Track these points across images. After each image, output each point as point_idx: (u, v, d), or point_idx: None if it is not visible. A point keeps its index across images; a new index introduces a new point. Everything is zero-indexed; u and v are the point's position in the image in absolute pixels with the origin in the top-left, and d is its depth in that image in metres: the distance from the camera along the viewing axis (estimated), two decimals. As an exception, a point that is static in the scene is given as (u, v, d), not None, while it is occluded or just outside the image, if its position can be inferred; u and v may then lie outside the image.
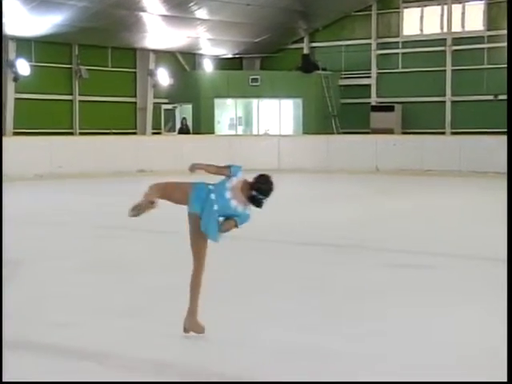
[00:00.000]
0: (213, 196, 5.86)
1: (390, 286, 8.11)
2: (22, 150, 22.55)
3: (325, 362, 5.46)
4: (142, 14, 25.49)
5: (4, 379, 5.07)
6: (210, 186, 5.93)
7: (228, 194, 5.88)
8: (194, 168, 5.97)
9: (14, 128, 25.37)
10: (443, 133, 27.82)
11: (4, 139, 24.15)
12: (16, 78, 25.19)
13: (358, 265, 9.36)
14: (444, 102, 28.22)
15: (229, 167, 5.92)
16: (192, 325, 6.00)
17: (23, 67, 25.19)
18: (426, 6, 28.33)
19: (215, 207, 5.85)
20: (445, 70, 28.12)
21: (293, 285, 8.16)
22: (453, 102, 28.07)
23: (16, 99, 25.43)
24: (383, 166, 25.05)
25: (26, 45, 25.47)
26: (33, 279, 8.51)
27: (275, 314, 6.82)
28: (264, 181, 5.90)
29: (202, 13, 26.48)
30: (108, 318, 6.72)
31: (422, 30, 28.60)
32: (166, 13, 25.75)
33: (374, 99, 29.45)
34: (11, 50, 25.04)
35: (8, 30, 24.37)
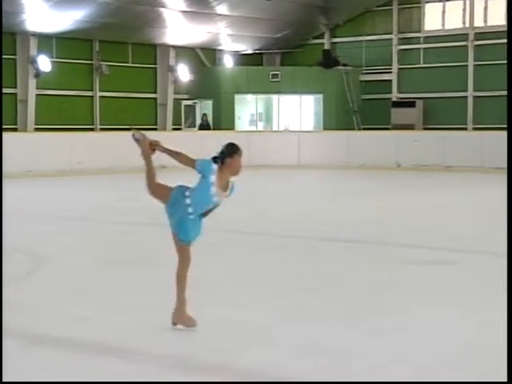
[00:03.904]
0: (188, 201, 5.93)
1: (411, 283, 8.04)
2: (44, 145, 22.66)
3: (345, 359, 5.41)
4: (162, 9, 25.52)
5: (20, 375, 5.08)
6: (187, 192, 5.96)
7: (213, 190, 5.93)
8: (152, 146, 6.18)
9: (36, 124, 25.50)
10: (465, 128, 27.62)
11: (26, 135, 24.39)
12: (37, 74, 25.33)
13: (378, 261, 9.31)
14: (466, 97, 28.02)
15: (195, 161, 5.95)
16: (182, 318, 6.03)
17: (44, 63, 25.32)
18: (448, 0, 28.11)
19: (190, 210, 5.93)
20: (467, 65, 27.92)
21: (313, 281, 8.11)
22: (475, 98, 27.86)
23: (37, 95, 25.56)
24: (404, 162, 24.90)
25: (47, 41, 25.60)
26: (53, 274, 8.51)
27: (295, 310, 6.78)
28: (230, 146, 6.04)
29: (222, 8, 26.47)
30: (127, 312, 6.71)
31: (443, 25, 28.39)
32: (186, 8, 25.77)
33: (395, 95, 29.30)
34: (32, 46, 25.18)
35: (29, 26, 24.51)
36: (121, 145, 24.07)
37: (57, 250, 10.03)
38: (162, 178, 6.27)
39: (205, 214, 6.08)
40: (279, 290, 7.65)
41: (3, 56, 25.02)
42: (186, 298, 6.04)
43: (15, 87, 25.41)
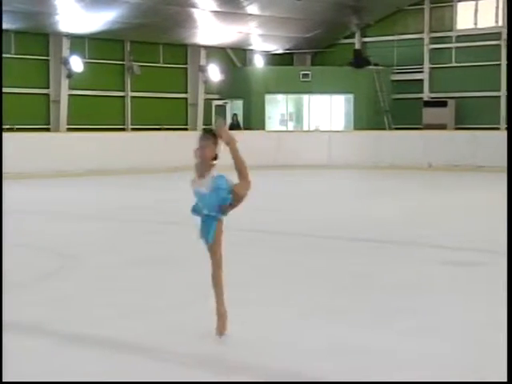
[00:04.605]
0: None
1: (440, 283, 8.00)
2: (76, 145, 22.83)
3: (375, 359, 5.39)
4: (193, 10, 25.62)
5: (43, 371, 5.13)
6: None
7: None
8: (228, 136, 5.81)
9: (68, 124, 25.73)
10: (498, 128, 27.36)
11: (58, 135, 24.61)
12: (70, 75, 25.55)
13: (408, 261, 9.26)
14: (499, 96, 27.75)
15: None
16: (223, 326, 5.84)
17: (77, 64, 25.54)
18: (480, -2, 27.89)
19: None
20: (500, 65, 27.65)
21: (342, 280, 8.11)
22: (508, 97, 27.56)
23: (69, 95, 25.79)
24: (435, 162, 24.74)
25: (79, 42, 25.83)
26: (80, 274, 8.55)
27: (326, 310, 6.78)
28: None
29: (252, 8, 26.50)
30: (155, 312, 6.72)
31: (476, 24, 28.16)
32: (216, 9, 25.83)
33: (426, 94, 29.12)
34: (65, 46, 25.42)
35: (62, 27, 24.74)
36: (152, 145, 24.37)
37: (85, 249, 10.07)
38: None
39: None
40: (308, 290, 7.63)
41: (36, 57, 25.37)
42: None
43: (48, 88, 25.68)
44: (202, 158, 5.71)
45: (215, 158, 5.73)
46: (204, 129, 5.90)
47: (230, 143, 5.75)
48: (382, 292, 7.53)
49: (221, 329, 5.81)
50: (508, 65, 19.65)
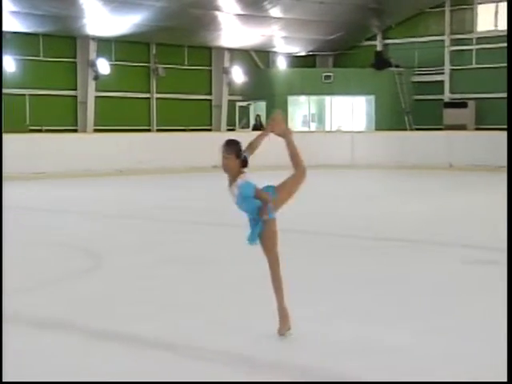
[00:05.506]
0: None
1: (465, 283, 8.00)
2: (103, 146, 23.17)
3: (400, 359, 5.43)
4: (217, 13, 25.94)
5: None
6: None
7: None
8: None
9: (95, 125, 26.18)
10: (518, 129, 27.44)
11: (85, 136, 25.05)
12: (96, 77, 25.98)
13: (431, 261, 9.21)
14: (519, 98, 27.84)
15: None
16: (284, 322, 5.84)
17: (103, 66, 25.98)
18: (500, 1, 27.95)
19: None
20: (520, 66, 27.73)
21: (366, 280, 8.10)
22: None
23: (96, 97, 26.24)
24: (456, 162, 24.86)
25: (106, 44, 26.25)
26: (112, 272, 8.60)
27: (348, 309, 6.82)
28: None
29: (275, 11, 26.77)
30: (187, 310, 6.79)
31: (496, 26, 28.29)
32: (240, 11, 26.14)
33: (447, 95, 29.29)
34: (92, 49, 25.84)
35: (89, 30, 25.18)
36: (177, 145, 24.68)
37: (115, 248, 10.09)
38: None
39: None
40: (334, 289, 7.66)
41: (64, 59, 25.86)
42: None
43: (75, 89, 26.14)
44: (224, 168, 5.70)
45: (245, 165, 5.70)
46: (227, 140, 5.77)
47: (286, 136, 5.90)
48: (409, 291, 7.51)
49: (280, 329, 5.78)
50: (508, 67, 19.69)
